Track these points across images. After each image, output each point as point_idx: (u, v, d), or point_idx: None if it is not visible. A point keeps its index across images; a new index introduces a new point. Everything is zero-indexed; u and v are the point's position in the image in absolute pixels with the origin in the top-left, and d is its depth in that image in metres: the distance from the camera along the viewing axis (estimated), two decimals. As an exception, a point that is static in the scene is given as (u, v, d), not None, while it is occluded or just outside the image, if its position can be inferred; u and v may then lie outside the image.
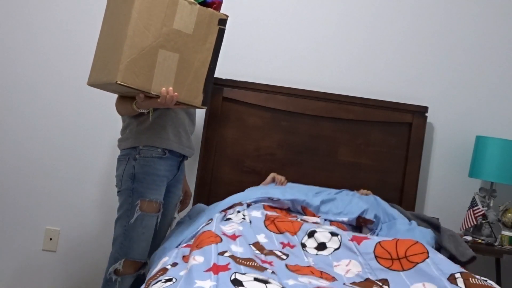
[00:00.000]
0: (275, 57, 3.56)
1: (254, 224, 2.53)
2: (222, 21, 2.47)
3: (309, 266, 2.12)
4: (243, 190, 3.38)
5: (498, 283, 3.32)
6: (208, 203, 3.34)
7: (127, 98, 2.56)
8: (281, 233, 2.45)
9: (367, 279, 2.05)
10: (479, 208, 3.25)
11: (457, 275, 1.99)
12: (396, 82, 3.58)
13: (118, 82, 2.26)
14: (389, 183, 3.43)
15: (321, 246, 2.31)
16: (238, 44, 3.53)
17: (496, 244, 3.26)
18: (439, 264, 2.05)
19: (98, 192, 3.57)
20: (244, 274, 1.82)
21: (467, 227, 3.28)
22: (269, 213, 2.68)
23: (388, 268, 2.11)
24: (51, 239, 3.56)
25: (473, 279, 1.96)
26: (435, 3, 3.58)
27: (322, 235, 2.35)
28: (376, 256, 2.17)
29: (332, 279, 2.01)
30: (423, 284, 1.98)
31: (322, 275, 2.03)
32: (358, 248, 2.22)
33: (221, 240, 2.18)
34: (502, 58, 3.57)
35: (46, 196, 3.56)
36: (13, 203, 3.56)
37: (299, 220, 2.64)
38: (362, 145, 3.44)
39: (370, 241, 2.25)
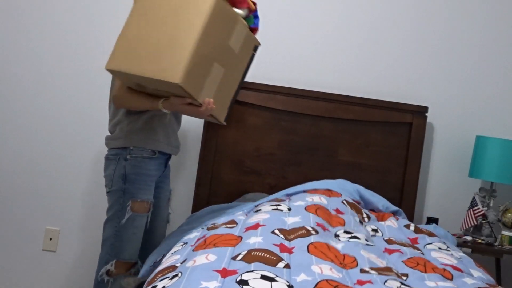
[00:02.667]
0: (275, 57, 3.56)
1: (293, 210, 2.49)
2: (255, 48, 2.61)
3: (335, 248, 2.11)
4: (243, 190, 3.39)
5: (498, 283, 3.32)
6: (208, 203, 3.34)
7: (142, 94, 2.54)
8: (319, 216, 2.44)
9: (388, 266, 2.06)
10: (479, 208, 3.25)
11: None
12: (396, 82, 3.58)
13: (180, 84, 2.26)
14: (389, 183, 3.43)
15: (354, 237, 2.32)
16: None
17: (496, 244, 3.26)
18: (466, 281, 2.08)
19: (98, 192, 3.57)
20: (252, 271, 1.81)
21: (467, 227, 3.28)
22: (314, 200, 2.65)
23: (411, 267, 2.15)
24: (51, 239, 3.56)
25: None
26: (435, 3, 3.58)
27: (358, 234, 2.36)
28: (403, 262, 2.21)
29: (352, 263, 2.00)
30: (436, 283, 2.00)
31: (344, 259, 2.02)
32: (387, 257, 2.25)
33: (241, 240, 2.12)
34: (502, 58, 3.57)
35: (46, 196, 3.56)
36: (13, 203, 3.56)
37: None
38: (362, 145, 3.44)
39: (399, 254, 2.28)
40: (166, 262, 2.11)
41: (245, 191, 3.38)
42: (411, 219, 3.36)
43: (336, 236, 2.32)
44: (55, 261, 3.57)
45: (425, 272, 2.10)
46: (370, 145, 3.45)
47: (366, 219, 2.74)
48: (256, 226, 2.26)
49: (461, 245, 3.22)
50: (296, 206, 2.54)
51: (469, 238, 3.27)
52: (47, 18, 3.56)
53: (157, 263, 2.43)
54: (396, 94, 3.56)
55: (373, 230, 2.61)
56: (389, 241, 2.47)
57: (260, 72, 3.50)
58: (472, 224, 3.26)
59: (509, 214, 3.32)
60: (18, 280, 3.56)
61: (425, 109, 3.44)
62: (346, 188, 2.93)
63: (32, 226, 3.56)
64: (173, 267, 1.97)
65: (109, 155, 2.72)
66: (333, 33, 3.57)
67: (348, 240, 2.26)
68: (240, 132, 3.43)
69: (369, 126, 3.45)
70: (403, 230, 2.70)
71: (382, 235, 2.58)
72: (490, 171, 3.29)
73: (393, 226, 2.71)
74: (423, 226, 2.94)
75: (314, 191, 2.85)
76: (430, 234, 2.69)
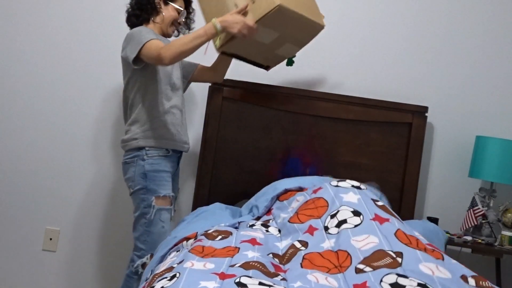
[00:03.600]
0: (275, 57, 3.56)
1: (282, 232, 2.50)
2: None
3: (327, 250, 2.11)
4: (243, 190, 3.39)
5: (498, 283, 3.32)
6: (208, 203, 3.34)
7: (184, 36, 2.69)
8: (303, 223, 2.44)
9: (380, 250, 2.05)
10: (479, 208, 3.25)
11: (469, 277, 2.01)
12: (396, 82, 3.58)
13: (323, 25, 2.93)
14: (389, 183, 3.43)
15: (342, 222, 2.31)
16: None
17: (496, 244, 3.26)
18: (453, 265, 2.06)
19: (98, 192, 3.57)
20: (250, 277, 1.82)
21: (467, 227, 3.28)
22: (297, 204, 2.63)
23: (405, 244, 2.12)
24: (51, 239, 3.56)
25: (483, 282, 1.97)
26: (435, 3, 3.58)
27: (344, 213, 2.35)
28: (396, 236, 2.18)
29: (345, 261, 2.00)
30: (437, 266, 1.99)
31: (338, 258, 2.02)
32: (379, 227, 2.23)
33: (238, 250, 2.15)
34: (502, 58, 3.57)
35: (46, 196, 3.56)
36: (13, 203, 3.56)
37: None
38: (362, 145, 3.44)
39: (390, 225, 2.25)
40: (163, 265, 2.13)
41: (245, 191, 3.38)
42: (411, 219, 3.36)
43: (326, 229, 2.32)
44: (55, 261, 3.57)
45: (418, 249, 2.09)
46: (370, 145, 3.44)
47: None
48: (253, 241, 2.29)
49: (461, 245, 3.22)
50: (282, 224, 2.55)
51: (469, 238, 3.27)
52: (47, 18, 3.56)
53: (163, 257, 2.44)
54: (396, 94, 3.56)
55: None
56: (379, 207, 2.42)
57: (260, 72, 3.49)
58: (472, 224, 3.26)
59: (509, 214, 3.32)
60: (18, 280, 3.56)
61: (425, 109, 3.44)
62: (319, 181, 2.87)
63: (32, 226, 3.56)
64: (170, 268, 2.00)
65: (126, 160, 2.89)
66: (333, 32, 3.57)
67: (337, 233, 2.25)
68: (240, 132, 3.43)
69: (369, 126, 3.45)
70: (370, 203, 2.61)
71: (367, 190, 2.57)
72: (490, 171, 3.29)
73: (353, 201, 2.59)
74: (411, 226, 2.89)
75: (290, 193, 2.79)
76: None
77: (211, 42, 2.86)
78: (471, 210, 3.27)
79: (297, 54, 3.17)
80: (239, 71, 3.49)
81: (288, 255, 2.21)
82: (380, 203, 2.47)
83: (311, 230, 2.33)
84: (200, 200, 3.37)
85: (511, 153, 3.29)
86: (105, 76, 3.56)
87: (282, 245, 2.36)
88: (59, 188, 3.56)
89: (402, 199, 3.40)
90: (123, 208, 3.57)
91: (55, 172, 3.56)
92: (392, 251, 2.07)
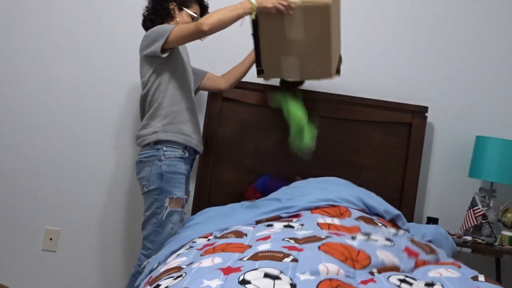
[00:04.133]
0: (275, 57, 3.56)
1: (305, 225, 2.41)
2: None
3: (350, 246, 2.05)
4: (243, 190, 3.38)
5: (498, 283, 3.32)
6: (208, 203, 3.34)
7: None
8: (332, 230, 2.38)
9: (395, 267, 2.03)
10: (479, 208, 3.25)
11: (480, 275, 2.03)
12: (396, 82, 3.58)
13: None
14: (389, 183, 3.43)
15: (371, 239, 2.24)
16: (238, 44, 3.53)
17: (496, 244, 3.26)
18: (464, 269, 2.08)
19: (98, 192, 3.57)
20: (256, 269, 1.78)
21: (467, 227, 3.28)
22: (326, 221, 2.53)
23: (420, 266, 2.13)
24: (51, 239, 3.56)
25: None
26: (435, 3, 3.58)
27: (377, 236, 2.28)
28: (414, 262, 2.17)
29: (364, 260, 1.96)
30: (446, 269, 2.01)
31: (358, 255, 1.98)
32: (404, 257, 2.18)
33: (250, 247, 2.09)
34: (502, 58, 3.57)
35: (46, 196, 3.56)
36: (13, 203, 3.56)
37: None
38: (362, 145, 3.44)
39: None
40: (172, 263, 2.11)
41: (245, 191, 3.38)
42: (411, 219, 3.36)
43: (353, 238, 2.23)
44: (55, 261, 3.56)
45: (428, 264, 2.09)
46: (370, 145, 3.44)
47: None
48: (267, 238, 2.23)
49: (461, 245, 3.22)
50: (308, 224, 2.45)
51: (469, 238, 3.27)
52: (48, 18, 3.56)
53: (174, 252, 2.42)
54: (396, 94, 3.56)
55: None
56: (412, 241, 2.35)
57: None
58: (473, 224, 3.26)
59: (509, 214, 3.32)
60: (18, 280, 3.56)
61: (425, 109, 3.44)
62: (348, 199, 2.77)
63: (32, 226, 3.56)
64: (178, 268, 1.98)
65: (142, 159, 2.89)
66: (333, 33, 3.57)
67: (365, 241, 2.17)
68: (240, 132, 3.43)
69: (369, 126, 3.45)
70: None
71: (404, 233, 2.49)
72: (490, 171, 3.29)
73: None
74: (424, 231, 2.86)
75: (320, 210, 2.67)
76: (431, 251, 2.64)
77: (247, 17, 2.81)
78: (471, 210, 3.27)
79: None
80: (239, 71, 3.49)
81: (306, 238, 2.14)
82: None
83: (337, 234, 2.27)
84: (200, 200, 3.37)
85: (511, 153, 3.29)
86: (107, 75, 3.56)
87: (301, 233, 2.26)
88: (59, 188, 3.56)
89: (402, 199, 3.40)
90: (123, 208, 3.57)
91: (55, 172, 3.56)
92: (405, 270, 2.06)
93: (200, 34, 2.70)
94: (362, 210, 2.73)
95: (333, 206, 2.68)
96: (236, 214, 2.79)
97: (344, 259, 1.94)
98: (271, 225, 2.45)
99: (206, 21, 2.65)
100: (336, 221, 2.50)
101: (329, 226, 2.41)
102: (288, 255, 1.90)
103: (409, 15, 3.58)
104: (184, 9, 3.02)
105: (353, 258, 1.96)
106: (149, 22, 3.01)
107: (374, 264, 1.98)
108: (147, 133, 2.90)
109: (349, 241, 2.10)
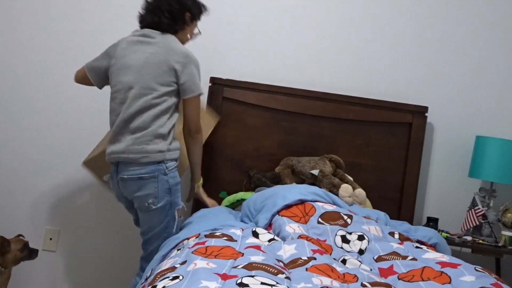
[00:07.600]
0: (275, 57, 3.56)
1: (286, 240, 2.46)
2: None
3: (335, 268, 2.08)
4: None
5: (498, 283, 3.32)
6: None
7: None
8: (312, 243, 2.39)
9: (387, 284, 2.01)
10: (479, 208, 3.25)
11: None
12: (396, 82, 3.58)
13: None
14: (389, 183, 3.43)
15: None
16: (238, 44, 3.53)
17: (496, 244, 3.25)
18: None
19: (98, 192, 3.57)
20: (253, 276, 1.81)
21: (468, 227, 3.28)
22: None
23: (408, 281, 2.05)
24: (51, 239, 3.56)
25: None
26: (435, 3, 3.58)
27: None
28: (400, 279, 2.11)
29: (352, 279, 1.99)
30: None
31: (345, 276, 2.01)
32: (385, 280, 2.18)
33: (242, 255, 2.12)
34: (502, 58, 3.57)
35: (46, 196, 3.56)
36: (13, 203, 3.56)
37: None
38: (362, 145, 3.44)
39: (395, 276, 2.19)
40: (165, 264, 2.12)
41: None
42: (411, 219, 3.37)
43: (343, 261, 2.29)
44: (55, 261, 3.56)
45: (422, 280, 2.04)
46: (370, 145, 3.45)
47: (348, 220, 2.63)
48: (257, 247, 2.24)
49: (461, 245, 3.22)
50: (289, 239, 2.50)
51: (469, 238, 3.27)
52: (48, 18, 3.56)
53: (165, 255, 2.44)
54: (396, 94, 3.56)
55: (359, 237, 2.52)
56: (378, 259, 2.35)
57: (260, 72, 3.50)
58: (473, 224, 3.25)
59: (509, 214, 3.32)
60: (18, 280, 3.56)
61: (425, 109, 3.44)
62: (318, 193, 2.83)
63: (32, 226, 3.56)
64: (172, 268, 1.99)
65: (142, 175, 2.73)
66: (333, 33, 3.57)
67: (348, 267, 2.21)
68: (240, 132, 3.43)
69: (369, 126, 3.45)
70: (388, 238, 2.60)
71: (372, 253, 2.45)
72: (490, 171, 3.29)
73: (377, 234, 2.58)
74: (427, 233, 2.86)
75: (289, 211, 2.70)
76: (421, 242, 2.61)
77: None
78: (472, 210, 3.27)
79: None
80: (239, 71, 3.49)
81: (292, 262, 2.16)
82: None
83: (320, 252, 2.29)
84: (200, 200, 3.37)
85: (511, 153, 3.29)
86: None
87: (286, 254, 2.28)
88: (59, 188, 3.56)
89: (402, 199, 3.40)
90: (123, 208, 3.57)
91: (55, 172, 3.56)
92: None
93: (194, 131, 2.85)
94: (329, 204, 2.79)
95: (302, 201, 2.74)
96: (224, 215, 2.86)
97: (335, 278, 1.98)
98: (256, 234, 2.49)
99: (201, 137, 2.91)
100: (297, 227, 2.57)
101: (307, 237, 2.45)
102: (281, 272, 1.95)
103: (409, 16, 3.58)
104: (194, 22, 2.95)
105: (341, 278, 2.00)
106: (166, 25, 2.86)
107: (362, 279, 2.00)
108: (152, 150, 2.73)
109: (334, 265, 2.13)
